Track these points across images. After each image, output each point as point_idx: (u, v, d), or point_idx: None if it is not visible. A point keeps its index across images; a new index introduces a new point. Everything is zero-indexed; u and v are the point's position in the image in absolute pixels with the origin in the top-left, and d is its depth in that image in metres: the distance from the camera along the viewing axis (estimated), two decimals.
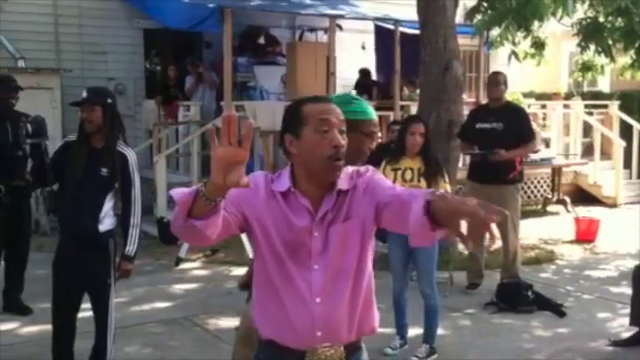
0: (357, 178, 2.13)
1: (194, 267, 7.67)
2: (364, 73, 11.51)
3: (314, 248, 2.07)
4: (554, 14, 7.43)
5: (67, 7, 10.53)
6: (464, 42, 11.01)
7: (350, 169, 2.15)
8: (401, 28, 10.60)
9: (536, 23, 8.36)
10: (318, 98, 2.16)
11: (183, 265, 7.62)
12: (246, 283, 3.02)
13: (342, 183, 2.10)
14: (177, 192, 1.85)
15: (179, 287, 6.85)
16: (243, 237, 6.78)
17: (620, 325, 5.51)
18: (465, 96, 9.30)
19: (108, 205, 3.95)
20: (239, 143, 1.69)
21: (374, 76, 11.92)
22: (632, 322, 5.25)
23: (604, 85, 15.55)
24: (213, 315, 5.85)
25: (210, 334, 5.44)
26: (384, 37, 11.45)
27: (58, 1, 10.51)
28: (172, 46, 11.91)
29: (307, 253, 2.07)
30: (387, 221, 2.04)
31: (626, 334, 5.28)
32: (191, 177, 9.52)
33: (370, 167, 2.21)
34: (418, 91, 10.64)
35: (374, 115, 2.62)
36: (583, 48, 8.50)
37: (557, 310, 5.98)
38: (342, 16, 10.69)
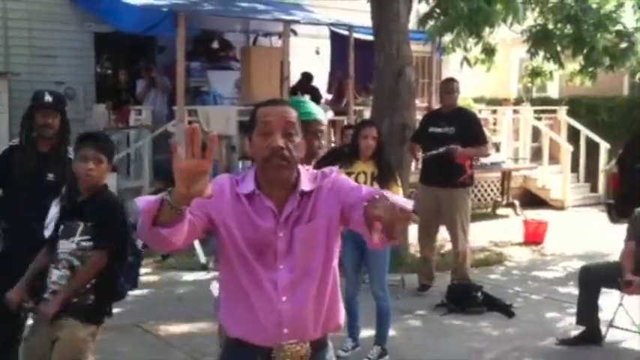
0: (322, 180, 2.17)
1: (144, 273, 7.55)
2: (306, 76, 11.49)
3: (279, 249, 2.12)
4: (504, 21, 7.58)
5: (16, 11, 10.36)
6: (417, 48, 11.16)
7: (314, 170, 2.20)
8: (355, 34, 10.68)
9: (487, 30, 8.53)
10: (271, 101, 2.20)
11: None
12: None
13: (305, 184, 2.14)
14: (142, 200, 1.90)
15: (128, 293, 6.73)
16: (196, 243, 6.75)
17: (568, 325, 5.64)
18: (417, 101, 9.43)
19: (54, 210, 3.88)
20: (202, 154, 1.73)
21: (321, 81, 11.92)
22: (579, 321, 5.38)
23: (553, 90, 15.90)
24: (164, 321, 5.79)
25: (162, 341, 5.39)
26: (338, 42, 11.53)
27: (7, 4, 10.33)
28: (125, 50, 11.79)
29: (273, 253, 2.12)
30: (353, 222, 2.07)
31: (573, 333, 5.41)
32: (142, 182, 9.43)
33: (334, 168, 2.25)
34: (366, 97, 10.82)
35: (319, 115, 2.67)
36: (532, 54, 8.70)
37: (506, 311, 6.09)
38: (296, 21, 10.72)
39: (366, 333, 5.15)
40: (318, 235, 2.14)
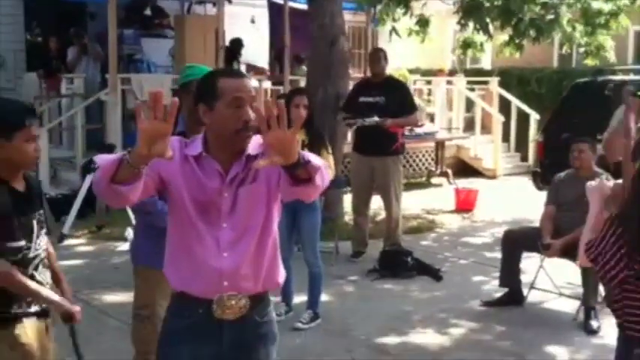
0: (265, 146, 2.24)
1: (79, 243, 7.51)
2: (235, 42, 11.40)
3: (223, 208, 2.26)
4: None
5: None
6: (352, 18, 11.24)
7: (259, 136, 2.28)
8: (291, 3, 10.65)
9: (421, 1, 8.65)
10: (233, 72, 2.39)
11: (68, 242, 7.44)
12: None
13: (252, 149, 2.26)
14: (102, 158, 2.07)
15: (63, 263, 6.58)
16: (129, 211, 6.71)
17: (492, 287, 5.86)
18: (352, 71, 9.51)
19: None
20: (164, 118, 1.87)
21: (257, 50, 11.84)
22: (502, 284, 5.62)
23: (486, 62, 16.20)
24: (99, 290, 5.78)
25: (96, 309, 5.38)
26: (276, 11, 11.47)
27: None
28: (55, 17, 11.48)
29: (217, 212, 2.26)
30: (282, 181, 2.20)
31: (497, 295, 5.64)
32: (75, 151, 9.28)
33: None
34: (304, 66, 10.84)
35: None
36: (462, 26, 8.86)
37: (435, 275, 6.30)
38: None
39: (300, 299, 5.26)
40: (260, 196, 2.28)
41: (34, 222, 2.73)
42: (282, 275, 2.43)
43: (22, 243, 2.67)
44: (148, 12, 11.78)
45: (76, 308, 2.83)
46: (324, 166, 2.12)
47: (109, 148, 7.95)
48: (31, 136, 2.64)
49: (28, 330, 2.71)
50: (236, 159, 2.26)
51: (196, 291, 2.30)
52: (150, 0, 11.72)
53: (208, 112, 2.23)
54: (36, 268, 2.74)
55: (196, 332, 2.31)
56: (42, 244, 2.78)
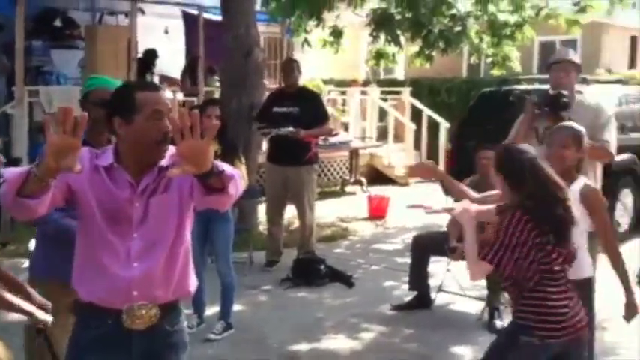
0: (178, 155, 2.28)
1: None
2: (148, 53, 11.34)
3: (135, 218, 2.29)
4: (350, 4, 7.85)
5: None
6: (267, 29, 11.32)
7: (172, 147, 2.32)
8: (205, 15, 10.65)
9: (334, 13, 8.81)
10: (149, 85, 2.41)
11: None
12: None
13: (164, 160, 2.29)
14: (8, 171, 2.07)
15: None
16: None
17: (403, 292, 6.03)
18: (267, 82, 9.58)
19: None
20: (73, 133, 1.88)
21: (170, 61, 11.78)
22: (411, 287, 5.80)
23: (399, 72, 16.60)
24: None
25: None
26: (191, 22, 11.43)
27: None
28: None
29: (128, 222, 2.29)
30: (195, 191, 2.24)
31: (406, 299, 5.81)
32: None
33: None
34: (216, 77, 10.85)
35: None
36: (374, 37, 9.08)
37: (347, 281, 6.43)
38: (143, 0, 10.53)
39: (212, 310, 5.28)
40: (171, 206, 2.31)
41: None
42: (193, 284, 2.45)
43: None
44: (58, 23, 11.52)
45: (49, 318, 2.79)
46: (237, 176, 2.17)
47: (15, 162, 7.74)
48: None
49: None
50: (148, 170, 2.29)
51: (105, 301, 2.30)
52: (60, 11, 11.45)
53: (125, 125, 2.25)
54: None
55: (105, 343, 2.31)
56: None
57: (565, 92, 4.25)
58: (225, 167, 2.13)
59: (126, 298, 2.28)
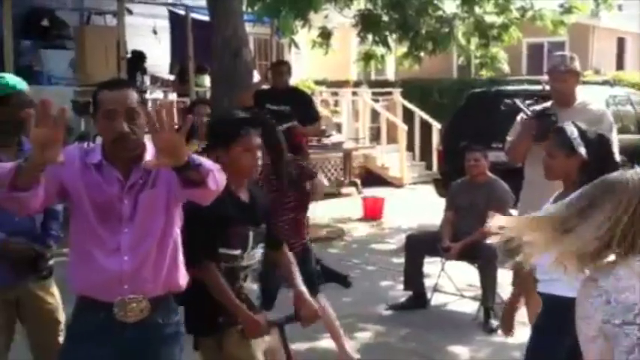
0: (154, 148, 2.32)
1: None
2: (136, 54, 11.28)
3: (124, 213, 2.35)
4: (336, 6, 7.84)
5: None
6: (257, 30, 11.28)
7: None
8: (193, 15, 10.59)
9: (322, 14, 8.79)
10: (112, 84, 2.43)
11: None
12: None
13: (150, 155, 2.31)
14: None
15: None
16: None
17: (398, 292, 6.00)
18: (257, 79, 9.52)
19: None
20: (53, 125, 1.96)
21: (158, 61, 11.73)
22: (406, 287, 5.77)
23: (390, 73, 16.61)
24: None
25: None
26: (177, 22, 11.37)
27: None
28: None
29: (118, 218, 2.35)
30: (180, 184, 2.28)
31: (402, 299, 5.78)
32: None
33: None
34: (206, 76, 10.80)
35: (19, 85, 3.05)
36: (362, 38, 9.06)
37: (343, 282, 6.35)
38: (130, 0, 10.45)
39: None
40: (159, 201, 2.37)
41: (251, 233, 2.85)
42: (184, 278, 2.49)
43: (237, 252, 2.82)
44: (45, 23, 11.40)
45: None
46: (216, 170, 2.22)
47: None
48: (249, 145, 2.82)
49: (232, 339, 2.82)
50: (134, 165, 2.34)
51: (97, 294, 2.36)
52: (47, 11, 11.34)
53: (95, 122, 2.39)
54: (245, 279, 2.85)
55: (98, 335, 2.36)
56: (256, 255, 2.88)
57: (551, 112, 4.19)
58: (202, 161, 2.19)
59: (117, 291, 2.33)
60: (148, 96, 10.21)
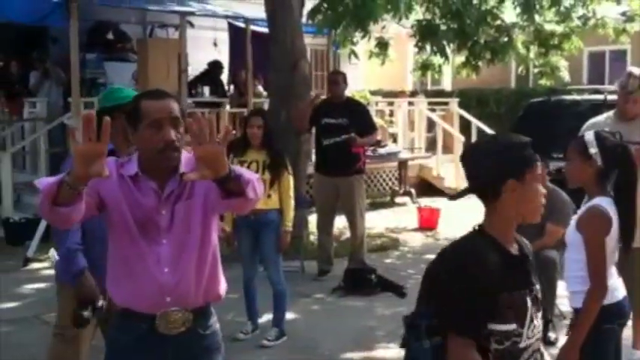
0: (195, 160, 2.30)
1: (43, 267, 7.45)
2: (217, 65, 11.59)
3: (162, 225, 2.33)
4: (395, 16, 7.88)
5: None
6: (314, 41, 11.41)
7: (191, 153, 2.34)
8: (252, 27, 10.79)
9: (379, 24, 8.84)
10: (155, 94, 2.36)
11: (32, 265, 7.40)
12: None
13: (185, 166, 2.32)
14: (42, 182, 2.08)
15: (28, 287, 6.71)
16: None
17: None
18: (314, 93, 9.63)
19: None
20: (98, 138, 1.90)
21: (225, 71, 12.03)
22: None
23: (447, 83, 16.54)
24: None
25: None
26: (236, 34, 11.60)
27: None
28: (16, 41, 11.42)
29: (156, 229, 2.33)
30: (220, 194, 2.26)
31: None
32: (38, 175, 9.20)
33: None
34: (260, 87, 10.98)
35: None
36: (420, 48, 9.07)
37: (399, 292, 6.40)
38: (192, 13, 10.72)
39: (266, 317, 5.33)
40: (196, 212, 2.35)
41: (528, 299, 2.05)
42: (223, 287, 2.49)
43: (512, 326, 2.00)
44: (110, 36, 11.79)
45: None
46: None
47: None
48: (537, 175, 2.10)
49: None
50: (170, 177, 2.33)
51: (139, 307, 2.35)
52: (112, 24, 11.73)
53: (134, 134, 2.32)
54: None
55: (141, 347, 2.36)
56: (536, 330, 2.07)
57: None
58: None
59: (159, 304, 2.33)
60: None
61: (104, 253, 2.43)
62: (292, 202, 5.15)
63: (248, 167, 5.05)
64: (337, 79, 7.02)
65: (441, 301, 1.99)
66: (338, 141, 6.72)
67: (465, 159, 2.14)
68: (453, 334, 1.95)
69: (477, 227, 2.10)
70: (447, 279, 2.00)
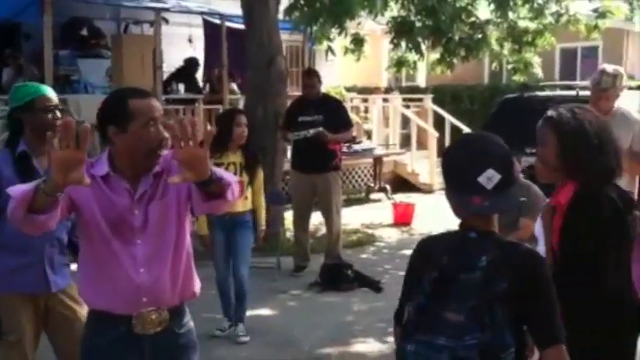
0: (171, 160, 2.30)
1: None
2: (193, 62, 11.57)
3: (136, 225, 2.32)
4: (370, 12, 7.93)
5: None
6: (289, 38, 11.42)
7: (165, 152, 2.35)
8: (228, 23, 10.77)
9: (355, 21, 8.88)
10: (140, 93, 2.34)
11: None
12: None
13: (159, 165, 2.32)
14: (16, 189, 2.04)
15: None
16: None
17: None
18: (290, 89, 9.65)
19: None
20: (76, 145, 1.88)
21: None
22: None
23: (421, 80, 16.63)
24: None
25: None
26: (211, 31, 11.56)
27: None
28: None
29: (130, 229, 2.31)
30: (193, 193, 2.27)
31: None
32: None
33: None
34: (234, 85, 10.96)
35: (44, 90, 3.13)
36: (395, 45, 9.13)
37: (375, 286, 6.46)
38: (166, 10, 10.67)
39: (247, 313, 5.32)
40: (170, 210, 2.34)
41: None
42: (198, 285, 2.49)
43: None
44: (84, 32, 11.68)
45: None
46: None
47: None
48: None
49: None
50: (144, 176, 2.32)
51: (116, 308, 2.33)
52: (86, 20, 11.62)
53: (120, 134, 2.25)
54: None
55: (117, 349, 2.35)
56: None
57: None
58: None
59: (135, 304, 2.32)
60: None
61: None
62: (263, 201, 5.24)
63: (226, 169, 5.02)
64: (312, 79, 7.01)
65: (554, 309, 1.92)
66: (307, 136, 6.72)
67: None
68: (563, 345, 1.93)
69: None
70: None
